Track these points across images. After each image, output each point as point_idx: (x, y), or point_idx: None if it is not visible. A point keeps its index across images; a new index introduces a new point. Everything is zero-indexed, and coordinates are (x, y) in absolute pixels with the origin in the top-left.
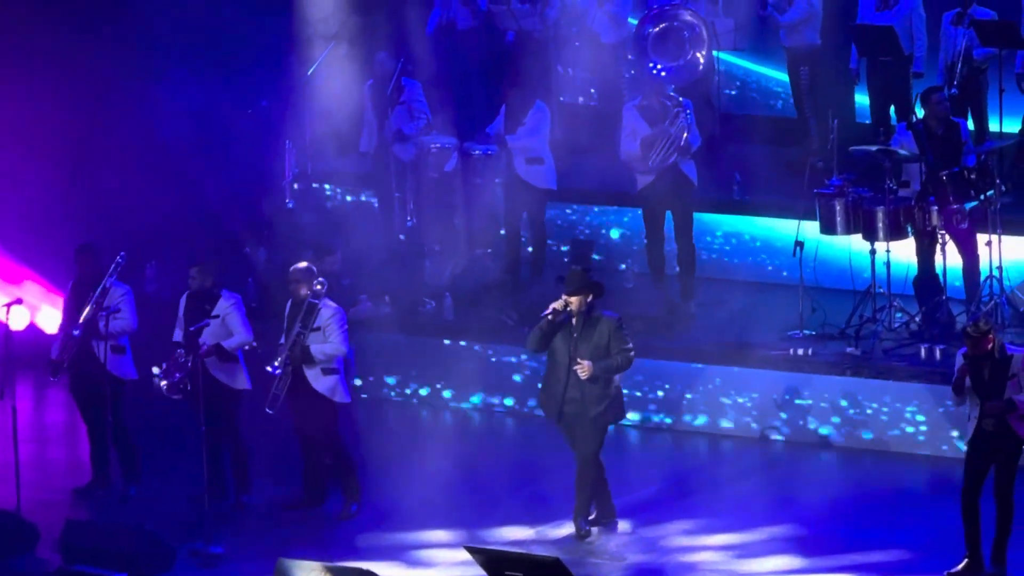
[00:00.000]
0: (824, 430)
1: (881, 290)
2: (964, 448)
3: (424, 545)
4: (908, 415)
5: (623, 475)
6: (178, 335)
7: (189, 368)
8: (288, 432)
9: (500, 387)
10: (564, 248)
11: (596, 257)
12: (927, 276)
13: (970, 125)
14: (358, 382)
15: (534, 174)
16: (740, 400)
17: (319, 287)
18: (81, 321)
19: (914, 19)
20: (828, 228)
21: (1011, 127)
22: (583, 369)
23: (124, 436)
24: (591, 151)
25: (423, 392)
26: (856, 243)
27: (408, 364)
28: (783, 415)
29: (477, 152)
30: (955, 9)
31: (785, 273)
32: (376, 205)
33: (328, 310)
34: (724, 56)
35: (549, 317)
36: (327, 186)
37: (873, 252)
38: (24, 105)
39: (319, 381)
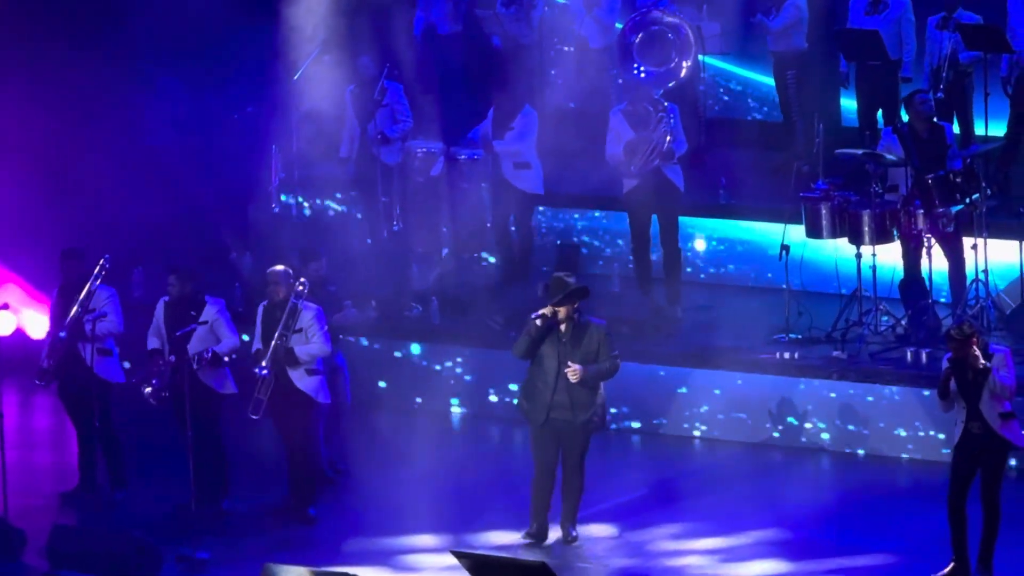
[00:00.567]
0: (810, 434)
1: (867, 294)
2: (948, 451)
3: (410, 550)
4: (894, 419)
5: (609, 479)
6: (153, 343)
7: (166, 374)
8: (271, 437)
9: (486, 392)
10: (551, 252)
11: (582, 261)
12: (913, 280)
13: (956, 129)
14: None
15: (522, 178)
16: (726, 404)
17: (301, 288)
18: (67, 323)
19: (903, 24)
20: (814, 232)
21: (996, 130)
22: (574, 373)
23: (110, 440)
24: (578, 155)
25: (410, 397)
26: (842, 247)
27: (395, 368)
28: (769, 419)
29: (463, 157)
30: (940, 13)
31: (771, 276)
32: (361, 210)
33: (309, 311)
34: (710, 60)
35: (538, 323)
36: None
37: (859, 256)
38: (10, 110)
39: (303, 381)
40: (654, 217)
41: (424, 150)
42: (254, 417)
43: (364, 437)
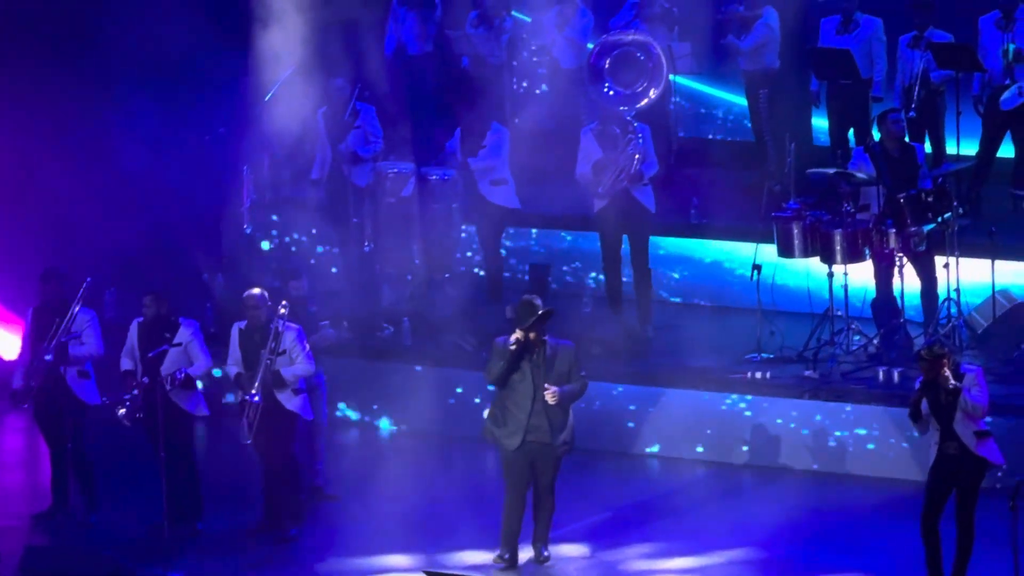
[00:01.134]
0: (782, 453)
1: (839, 313)
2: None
3: (383, 570)
4: (866, 438)
5: (580, 500)
6: (126, 364)
7: (138, 396)
8: (244, 458)
9: (457, 413)
10: (522, 274)
11: (553, 281)
12: (885, 299)
13: (928, 148)
14: None
15: (499, 194)
16: (697, 424)
17: (283, 310)
18: (52, 346)
19: (874, 43)
20: (785, 251)
21: (968, 149)
22: (552, 395)
23: (83, 461)
24: (550, 174)
25: (380, 418)
26: (814, 266)
27: (366, 389)
28: (741, 439)
29: (434, 177)
30: (912, 32)
31: (742, 296)
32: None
33: (291, 332)
34: (681, 80)
35: (512, 347)
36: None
37: (831, 275)
38: None
39: (291, 402)
40: (625, 237)
41: (395, 171)
42: (247, 443)
43: (338, 456)
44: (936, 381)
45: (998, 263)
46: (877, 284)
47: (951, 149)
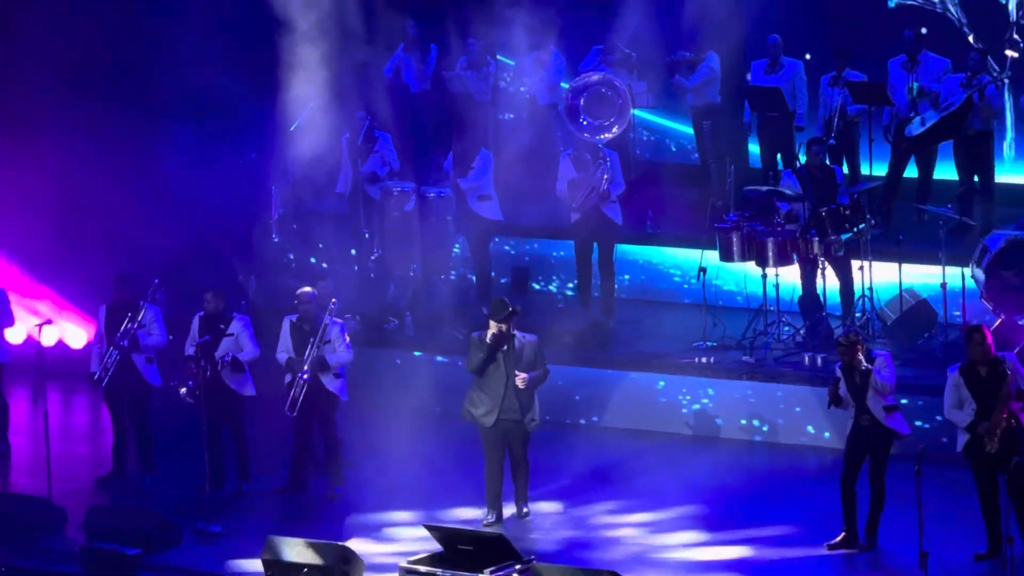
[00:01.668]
0: (724, 426)
1: (771, 308)
2: (841, 440)
3: (390, 524)
4: (794, 413)
5: (555, 466)
6: (189, 350)
7: (200, 377)
8: (280, 432)
9: (453, 392)
10: (507, 273)
11: (531, 281)
12: (809, 296)
13: (845, 169)
14: None
15: (485, 208)
16: (652, 401)
17: (333, 306)
18: (125, 336)
19: (796, 81)
20: (726, 256)
21: (879, 170)
22: (522, 380)
23: (145, 433)
24: (528, 192)
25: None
26: (750, 269)
27: (374, 373)
28: (689, 413)
29: (432, 194)
30: (832, 72)
31: (690, 293)
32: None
33: (335, 326)
34: (639, 113)
35: (489, 341)
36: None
37: (764, 276)
38: (54, 158)
39: (332, 384)
40: (595, 244)
41: (399, 189)
42: (290, 414)
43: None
44: (852, 364)
45: (905, 266)
46: (803, 283)
47: (865, 170)
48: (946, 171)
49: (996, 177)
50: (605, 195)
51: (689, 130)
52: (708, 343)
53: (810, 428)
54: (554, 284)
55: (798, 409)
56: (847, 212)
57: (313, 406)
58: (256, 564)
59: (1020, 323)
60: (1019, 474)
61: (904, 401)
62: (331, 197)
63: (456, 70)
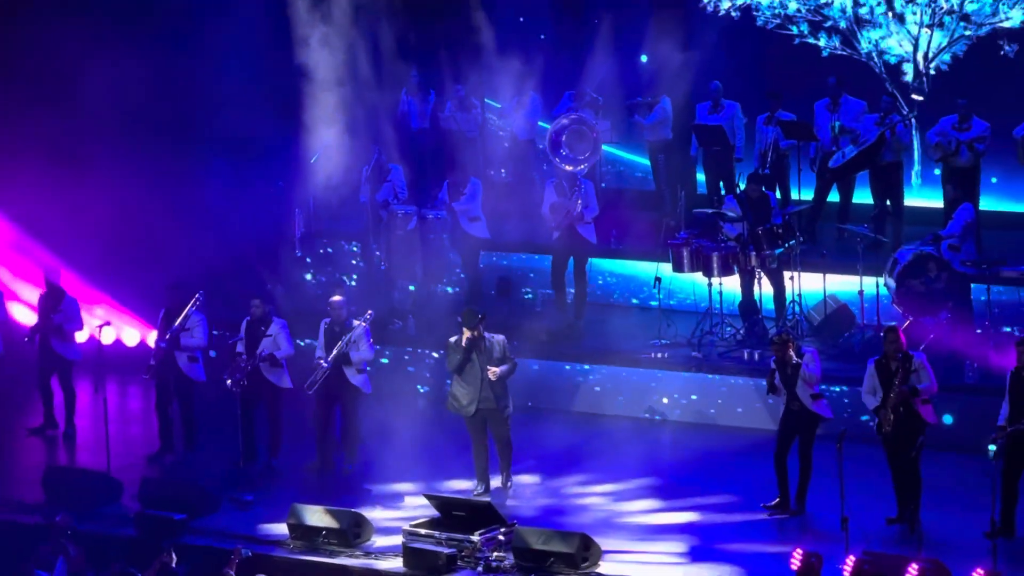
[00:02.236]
0: (675, 410)
1: (716, 311)
2: (764, 420)
3: (400, 494)
4: (735, 399)
5: (531, 445)
6: (240, 347)
7: (245, 371)
8: (302, 417)
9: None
10: (493, 283)
11: (514, 290)
12: (748, 301)
13: (778, 195)
14: None
15: (475, 228)
16: (615, 390)
17: (369, 314)
18: (168, 337)
19: (735, 120)
20: (678, 268)
21: (807, 195)
22: (494, 373)
23: (189, 419)
24: (512, 214)
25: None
26: (698, 278)
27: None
28: (646, 400)
29: (431, 216)
30: (766, 112)
31: (648, 298)
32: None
33: (360, 328)
34: (605, 147)
35: (464, 345)
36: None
37: (710, 284)
38: (110, 189)
39: (355, 378)
40: (570, 259)
41: (403, 211)
42: (308, 392)
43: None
44: (784, 359)
45: (828, 276)
46: (743, 291)
47: (795, 195)
48: (863, 196)
49: (905, 201)
50: (579, 218)
51: (646, 162)
52: (663, 341)
53: (748, 412)
54: (532, 292)
55: (738, 396)
56: (780, 231)
57: (337, 396)
58: (282, 527)
59: (924, 323)
60: (913, 454)
61: (831, 389)
62: (345, 219)
63: (446, 112)
